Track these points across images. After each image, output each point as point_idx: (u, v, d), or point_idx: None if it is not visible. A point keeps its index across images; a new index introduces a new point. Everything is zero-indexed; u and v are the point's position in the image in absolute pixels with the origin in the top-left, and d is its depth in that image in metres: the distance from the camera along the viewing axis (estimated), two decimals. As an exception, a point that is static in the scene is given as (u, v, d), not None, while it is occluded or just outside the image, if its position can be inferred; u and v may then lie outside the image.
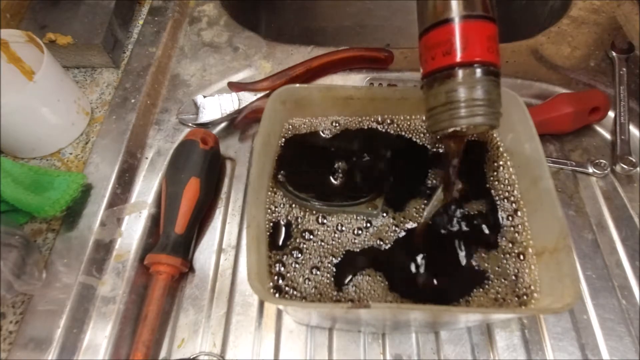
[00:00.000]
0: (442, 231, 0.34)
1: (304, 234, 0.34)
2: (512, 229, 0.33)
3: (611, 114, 0.48)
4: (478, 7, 0.29)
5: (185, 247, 0.40)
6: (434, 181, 0.36)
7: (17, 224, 0.40)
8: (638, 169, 0.44)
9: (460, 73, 0.28)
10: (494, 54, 0.29)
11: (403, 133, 0.38)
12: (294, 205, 0.35)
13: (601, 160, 0.45)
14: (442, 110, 0.29)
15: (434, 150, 0.37)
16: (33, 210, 0.39)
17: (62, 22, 0.51)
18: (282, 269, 0.32)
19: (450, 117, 0.29)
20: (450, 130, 0.29)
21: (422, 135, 0.38)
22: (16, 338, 0.36)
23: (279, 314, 0.39)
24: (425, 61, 0.30)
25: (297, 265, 0.32)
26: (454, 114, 0.29)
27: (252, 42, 0.56)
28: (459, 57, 0.28)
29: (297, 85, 0.36)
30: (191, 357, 0.37)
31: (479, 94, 0.29)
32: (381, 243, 0.33)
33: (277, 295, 0.31)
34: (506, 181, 0.35)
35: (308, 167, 0.36)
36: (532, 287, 0.31)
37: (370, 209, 0.34)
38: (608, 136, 0.48)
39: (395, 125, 0.39)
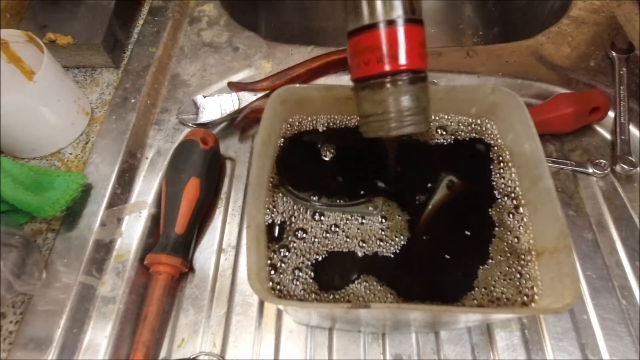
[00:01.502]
0: (442, 230, 0.34)
1: (296, 233, 0.34)
2: (513, 228, 0.33)
3: (611, 114, 0.48)
4: (411, 11, 0.28)
5: (185, 247, 0.40)
6: (435, 179, 0.36)
7: (17, 224, 0.40)
8: (638, 169, 0.44)
9: (393, 82, 0.28)
10: (424, 59, 0.29)
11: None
12: (294, 205, 0.35)
13: (601, 160, 0.45)
14: (375, 119, 0.30)
15: (434, 148, 0.37)
16: (33, 210, 0.39)
17: (62, 22, 0.51)
18: (282, 264, 0.32)
19: (382, 126, 0.30)
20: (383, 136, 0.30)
21: (422, 134, 0.38)
22: (16, 338, 0.36)
23: (279, 314, 0.39)
24: (357, 65, 0.30)
25: (286, 264, 0.32)
26: (384, 125, 0.29)
27: (252, 42, 0.56)
28: (393, 66, 0.28)
29: (297, 85, 0.36)
30: (191, 357, 0.37)
31: (410, 104, 0.29)
32: (382, 243, 0.33)
33: (275, 291, 0.31)
34: (509, 181, 0.35)
35: (308, 167, 0.36)
36: (532, 287, 0.31)
37: (370, 208, 0.34)
38: (608, 136, 0.48)
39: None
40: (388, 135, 0.30)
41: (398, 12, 0.28)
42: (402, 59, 0.28)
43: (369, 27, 0.28)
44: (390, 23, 0.28)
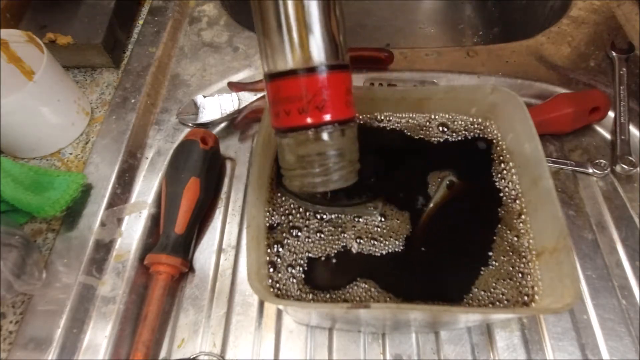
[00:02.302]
0: (442, 230, 0.34)
1: (296, 233, 0.34)
2: (513, 228, 0.33)
3: (611, 114, 0.48)
4: (336, 56, 0.25)
5: (185, 247, 0.40)
6: (435, 179, 0.36)
7: (17, 224, 0.40)
8: (638, 169, 0.44)
9: (316, 135, 0.26)
10: (351, 107, 0.27)
11: (403, 132, 0.38)
12: (294, 205, 0.35)
13: (601, 160, 0.45)
14: (299, 173, 0.28)
15: (435, 148, 0.37)
16: (33, 210, 0.39)
17: (62, 22, 0.51)
18: (282, 264, 0.32)
19: (308, 182, 0.28)
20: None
21: (422, 134, 0.38)
22: (16, 338, 0.36)
23: (279, 314, 0.39)
24: (277, 114, 0.27)
25: (286, 264, 0.32)
26: (310, 180, 0.27)
27: (252, 42, 0.56)
28: (316, 118, 0.26)
29: (297, 85, 0.36)
30: (191, 357, 0.37)
31: (336, 158, 0.27)
32: (382, 243, 0.33)
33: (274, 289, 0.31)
34: (509, 181, 0.35)
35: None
36: (533, 287, 0.31)
37: (370, 208, 0.34)
38: (608, 136, 0.48)
39: (395, 124, 0.39)
40: (313, 191, 0.28)
41: (321, 58, 0.25)
42: (326, 110, 0.25)
43: (289, 73, 0.25)
44: (313, 70, 0.25)
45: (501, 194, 0.35)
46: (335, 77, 0.26)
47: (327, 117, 0.26)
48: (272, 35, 0.25)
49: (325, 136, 0.26)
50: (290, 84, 0.25)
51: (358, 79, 0.53)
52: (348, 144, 0.28)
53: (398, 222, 0.34)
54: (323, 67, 0.25)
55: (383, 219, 0.34)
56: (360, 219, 0.34)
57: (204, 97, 0.49)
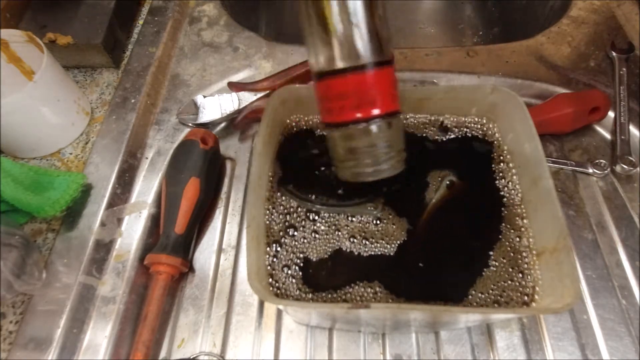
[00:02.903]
0: (442, 230, 0.34)
1: (296, 233, 0.33)
2: (513, 228, 0.33)
3: (611, 114, 0.48)
4: (382, 53, 0.27)
5: (185, 247, 0.40)
6: (435, 179, 0.36)
7: (17, 224, 0.40)
8: (638, 169, 0.44)
9: (367, 128, 0.28)
10: (396, 100, 0.29)
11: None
12: (294, 205, 0.35)
13: (601, 160, 0.45)
14: (352, 164, 0.29)
15: (435, 148, 0.37)
16: (33, 210, 0.39)
17: (62, 22, 0.51)
18: (282, 264, 0.32)
19: (359, 173, 0.29)
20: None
21: (422, 134, 0.38)
22: (16, 338, 0.36)
23: (279, 314, 0.39)
24: (330, 110, 0.28)
25: (286, 264, 0.32)
26: (361, 171, 0.29)
27: (252, 42, 0.56)
28: (367, 113, 0.27)
29: (297, 85, 0.36)
30: (191, 357, 0.37)
31: (385, 149, 0.29)
32: (382, 243, 0.33)
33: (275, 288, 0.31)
34: (509, 181, 0.35)
35: (308, 167, 0.36)
36: (533, 287, 0.31)
37: (370, 208, 0.34)
38: (608, 136, 0.48)
39: (395, 125, 0.39)
40: (364, 180, 0.30)
41: (369, 56, 0.26)
42: (377, 105, 0.27)
43: (340, 72, 0.26)
44: (363, 68, 0.26)
45: (501, 194, 0.35)
46: (382, 72, 0.27)
47: (377, 112, 0.27)
48: (322, 36, 0.27)
49: (374, 129, 0.28)
50: (343, 82, 0.27)
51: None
52: (395, 134, 0.29)
53: (398, 222, 0.34)
54: (372, 64, 0.26)
55: (383, 219, 0.34)
56: (362, 219, 0.34)
57: (204, 97, 0.49)
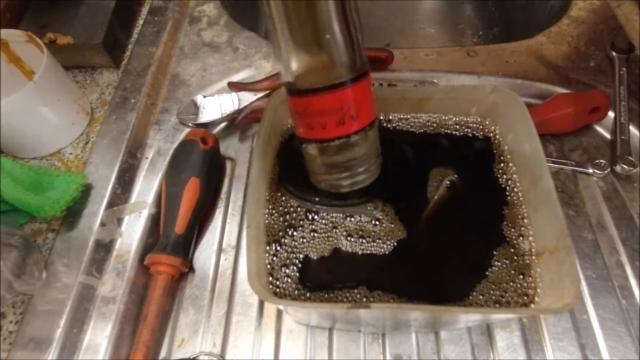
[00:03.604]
0: (442, 229, 0.34)
1: (296, 233, 0.33)
2: (513, 228, 0.33)
3: (611, 114, 0.48)
4: (360, 65, 0.26)
5: (185, 247, 0.40)
6: (435, 179, 0.36)
7: (17, 224, 0.40)
8: (638, 169, 0.44)
9: (346, 143, 0.27)
10: (374, 107, 0.28)
11: (403, 132, 0.38)
12: (294, 205, 0.35)
13: (601, 160, 0.45)
14: (328, 177, 0.30)
15: (435, 148, 0.37)
16: (33, 210, 0.39)
17: (62, 22, 0.51)
18: (282, 264, 0.32)
19: (337, 184, 0.30)
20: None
21: (422, 134, 0.38)
22: (16, 338, 0.36)
23: (279, 314, 0.39)
24: (310, 126, 0.27)
25: (286, 264, 0.32)
26: (339, 182, 0.29)
27: (252, 42, 0.56)
28: (350, 128, 0.27)
29: (297, 85, 0.36)
30: (191, 357, 0.37)
31: (364, 160, 0.29)
32: (382, 242, 0.33)
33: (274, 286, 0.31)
34: (509, 181, 0.35)
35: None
36: (533, 287, 0.31)
37: (370, 208, 0.34)
38: (608, 136, 0.48)
39: (395, 124, 0.39)
40: (340, 191, 0.30)
41: (349, 72, 0.25)
42: (359, 119, 0.27)
43: (323, 89, 0.25)
44: (344, 84, 0.25)
45: (501, 194, 0.35)
46: (363, 85, 0.26)
47: (358, 126, 0.27)
48: (296, 50, 0.25)
49: (355, 142, 0.27)
50: (322, 99, 0.25)
51: (358, 79, 0.52)
52: (373, 143, 0.29)
53: (398, 222, 0.34)
54: (354, 79, 0.25)
55: (383, 219, 0.34)
56: (362, 218, 0.34)
57: (204, 97, 0.49)
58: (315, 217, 0.34)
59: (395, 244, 0.33)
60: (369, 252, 0.33)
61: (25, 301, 0.37)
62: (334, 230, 0.34)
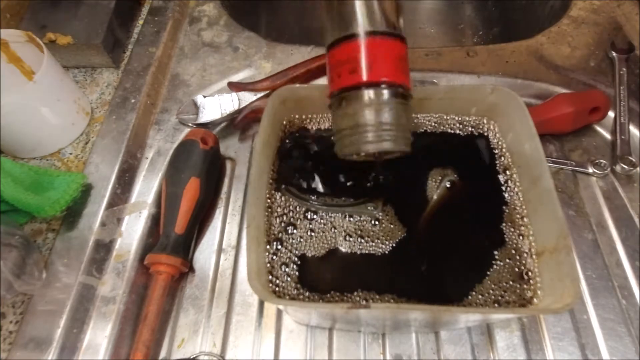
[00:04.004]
0: (442, 229, 0.34)
1: (296, 232, 0.33)
2: (513, 228, 0.33)
3: (611, 114, 0.48)
4: (384, 24, 0.27)
5: (185, 247, 0.40)
6: (435, 179, 0.36)
7: (17, 224, 0.40)
8: (638, 169, 0.44)
9: (366, 94, 0.27)
10: (403, 75, 0.28)
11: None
12: (294, 205, 0.35)
13: (601, 160, 0.45)
14: (349, 133, 0.28)
15: (435, 148, 0.37)
16: (33, 210, 0.39)
17: (62, 22, 0.51)
18: (282, 264, 0.32)
19: (356, 141, 0.28)
20: (356, 156, 0.29)
21: (422, 134, 0.38)
22: (16, 338, 0.36)
23: (279, 314, 0.39)
24: (332, 79, 0.29)
25: (286, 264, 0.32)
26: (360, 139, 0.27)
27: (252, 42, 0.56)
28: (365, 77, 0.27)
29: (297, 85, 0.36)
30: (191, 357, 0.37)
31: (386, 118, 0.27)
32: (382, 243, 0.33)
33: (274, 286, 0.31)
34: (508, 181, 0.35)
35: (308, 167, 0.36)
36: (533, 287, 0.31)
37: (370, 208, 0.34)
38: (608, 136, 0.48)
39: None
40: (360, 151, 0.28)
41: (376, 24, 0.27)
42: (379, 71, 0.27)
43: (346, 38, 0.27)
44: (369, 34, 0.27)
45: (501, 194, 0.35)
46: (388, 42, 0.27)
47: (377, 77, 0.27)
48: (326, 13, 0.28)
49: (375, 95, 0.27)
50: (346, 48, 0.28)
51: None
52: (399, 107, 0.28)
53: (398, 222, 0.34)
54: (378, 32, 0.27)
55: (383, 219, 0.34)
56: (361, 219, 0.34)
57: (204, 97, 0.49)
58: (315, 216, 0.34)
59: (395, 243, 0.33)
60: (368, 252, 0.33)
61: (25, 301, 0.37)
62: (334, 230, 0.34)
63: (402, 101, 0.28)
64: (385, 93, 0.27)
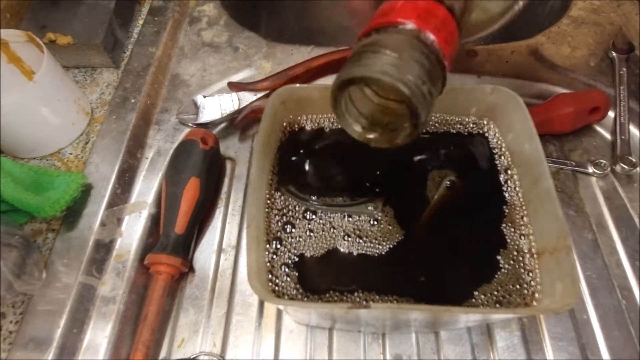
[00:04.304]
0: (442, 230, 0.34)
1: (296, 232, 0.33)
2: (513, 228, 0.33)
3: (611, 114, 0.48)
4: None
5: (185, 247, 0.40)
6: (435, 179, 0.36)
7: (17, 224, 0.40)
8: (638, 169, 0.44)
9: (378, 32, 0.26)
10: (427, 23, 0.25)
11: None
12: (294, 205, 0.35)
13: (601, 160, 0.45)
14: (365, 56, 0.26)
15: (434, 148, 0.37)
16: (33, 210, 0.39)
17: (62, 22, 0.51)
18: (282, 264, 0.32)
19: (372, 64, 0.25)
20: (348, 80, 0.26)
21: (422, 134, 0.38)
22: (16, 338, 0.36)
23: (279, 314, 0.39)
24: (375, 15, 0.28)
25: (286, 264, 0.32)
26: (375, 62, 0.24)
27: (252, 42, 0.56)
28: (385, 18, 0.26)
29: (297, 85, 0.36)
30: (191, 357, 0.37)
31: (388, 52, 0.24)
32: (381, 243, 0.33)
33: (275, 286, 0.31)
34: (508, 181, 0.35)
35: (308, 167, 0.36)
36: (533, 287, 0.31)
37: (370, 208, 0.34)
38: (608, 136, 0.48)
39: (395, 125, 0.39)
40: (367, 76, 0.25)
41: None
42: (396, 14, 0.26)
43: None
44: None
45: (501, 194, 0.35)
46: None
47: (392, 18, 0.26)
48: None
49: (387, 32, 0.26)
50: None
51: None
52: (423, 59, 0.25)
53: (397, 222, 0.34)
54: None
55: (382, 220, 0.34)
56: (361, 219, 0.34)
57: (204, 97, 0.49)
58: (314, 216, 0.34)
59: (394, 244, 0.33)
60: (370, 252, 0.33)
61: (25, 301, 0.37)
62: (333, 230, 0.34)
63: (415, 43, 0.25)
64: (396, 30, 0.25)
